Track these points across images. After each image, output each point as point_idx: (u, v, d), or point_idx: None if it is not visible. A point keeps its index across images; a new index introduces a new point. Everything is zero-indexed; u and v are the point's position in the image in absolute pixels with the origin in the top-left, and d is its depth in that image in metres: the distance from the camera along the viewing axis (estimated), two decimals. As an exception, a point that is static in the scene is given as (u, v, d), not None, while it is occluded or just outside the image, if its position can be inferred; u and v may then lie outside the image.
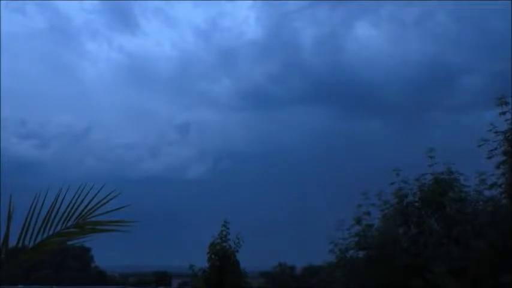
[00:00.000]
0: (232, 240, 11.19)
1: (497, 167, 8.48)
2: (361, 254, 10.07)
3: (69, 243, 2.82)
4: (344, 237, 10.18)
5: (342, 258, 10.19)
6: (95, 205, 2.76)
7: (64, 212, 2.73)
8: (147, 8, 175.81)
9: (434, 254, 8.92)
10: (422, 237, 9.50)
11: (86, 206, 2.75)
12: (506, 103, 8.46)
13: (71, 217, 2.72)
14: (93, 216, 2.75)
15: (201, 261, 11.15)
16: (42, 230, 2.67)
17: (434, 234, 9.47)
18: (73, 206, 2.73)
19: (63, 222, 2.72)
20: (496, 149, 8.43)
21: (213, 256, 11.02)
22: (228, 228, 11.29)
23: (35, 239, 2.57)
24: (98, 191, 2.81)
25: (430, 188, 9.65)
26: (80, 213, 2.74)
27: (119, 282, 47.28)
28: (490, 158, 8.52)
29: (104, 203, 2.75)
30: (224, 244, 11.11)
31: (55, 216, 2.74)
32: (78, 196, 2.73)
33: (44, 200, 2.57)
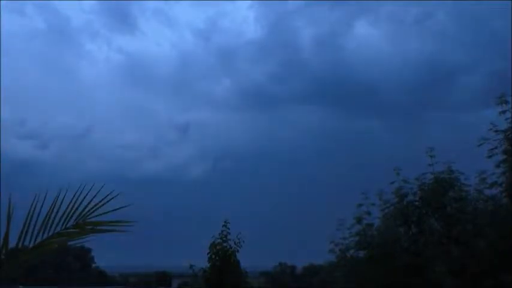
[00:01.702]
0: (232, 240, 11.21)
1: (498, 166, 8.51)
2: (361, 253, 10.08)
3: (70, 243, 2.82)
4: (344, 236, 10.20)
5: (342, 257, 10.21)
6: (95, 205, 2.77)
7: (64, 212, 2.73)
8: (146, 9, 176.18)
9: (435, 253, 8.92)
10: (422, 237, 9.52)
11: (86, 206, 2.75)
12: (506, 102, 8.49)
13: (71, 217, 2.72)
14: (93, 217, 2.76)
15: (201, 261, 11.17)
16: (42, 230, 2.67)
17: (435, 233, 9.48)
18: (73, 206, 2.73)
19: (63, 223, 2.72)
20: (496, 148, 8.46)
21: (213, 256, 11.02)
22: (229, 228, 11.30)
23: (35, 239, 2.58)
24: (98, 191, 2.82)
25: (431, 187, 9.66)
26: (80, 214, 2.75)
27: (119, 282, 47.29)
28: (490, 157, 8.54)
29: (104, 203, 2.76)
30: (225, 244, 11.12)
31: (55, 217, 2.74)
32: (78, 196, 2.74)
33: (44, 200, 2.58)
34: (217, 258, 10.97)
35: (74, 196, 2.71)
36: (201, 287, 11.01)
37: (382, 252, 9.48)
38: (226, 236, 11.18)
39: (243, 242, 11.21)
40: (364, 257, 9.96)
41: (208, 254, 11.06)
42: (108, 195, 2.82)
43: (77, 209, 2.72)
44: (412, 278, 8.95)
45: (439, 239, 9.29)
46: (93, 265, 53.41)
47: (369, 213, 10.20)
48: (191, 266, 11.08)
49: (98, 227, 2.73)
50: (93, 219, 2.74)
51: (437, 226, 9.68)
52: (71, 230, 2.71)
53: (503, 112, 8.51)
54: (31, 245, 2.55)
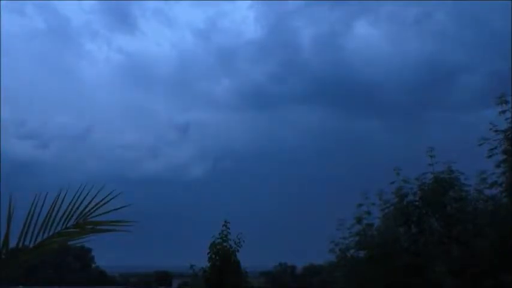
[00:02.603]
0: (232, 240, 11.21)
1: (498, 166, 8.50)
2: (361, 253, 10.09)
3: (70, 243, 2.82)
4: (344, 236, 10.21)
5: (342, 257, 10.22)
6: (95, 205, 2.77)
7: (64, 212, 2.73)
8: (146, 9, 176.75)
9: (435, 253, 8.93)
10: (422, 237, 9.52)
11: (86, 206, 2.75)
12: (506, 102, 8.49)
13: (71, 217, 2.72)
14: (93, 216, 2.76)
15: (202, 261, 11.18)
16: (42, 230, 2.67)
17: (435, 233, 9.49)
18: (73, 206, 2.73)
19: (64, 223, 2.73)
20: (496, 147, 8.45)
21: (213, 256, 11.03)
22: (229, 228, 11.30)
23: (35, 239, 2.58)
24: (98, 191, 2.82)
25: (431, 187, 9.67)
26: (81, 213, 2.75)
27: (119, 282, 47.26)
28: (490, 156, 8.53)
29: (104, 203, 2.76)
30: (225, 244, 11.12)
31: (55, 216, 2.74)
32: (79, 196, 2.74)
33: (44, 200, 2.58)
34: (217, 258, 10.97)
35: (74, 196, 2.72)
36: (201, 287, 11.01)
37: (382, 252, 9.49)
38: (226, 236, 11.19)
39: (243, 241, 11.23)
40: (364, 257, 9.97)
41: (208, 253, 11.06)
42: (108, 195, 2.82)
43: (77, 208, 2.72)
44: (412, 278, 8.95)
45: (440, 238, 9.29)
46: (93, 265, 53.42)
47: (369, 213, 10.22)
48: (191, 266, 11.09)
49: (98, 227, 2.73)
50: (93, 219, 2.74)
51: (438, 226, 9.69)
52: (72, 229, 2.71)
53: (503, 112, 8.51)
54: (31, 245, 2.54)
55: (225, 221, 11.27)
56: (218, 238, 11.13)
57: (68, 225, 2.70)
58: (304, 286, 40.96)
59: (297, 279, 46.35)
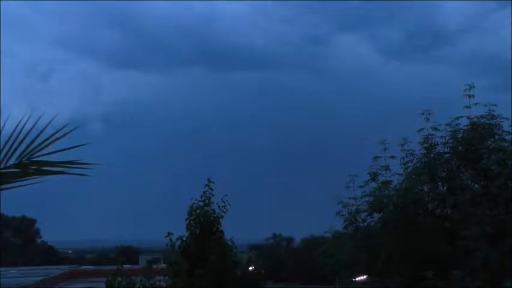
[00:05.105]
0: (216, 203, 11.19)
1: None
2: (375, 217, 10.22)
3: (6, 186, 2.72)
4: (355, 196, 10.23)
5: (351, 222, 10.29)
6: (43, 141, 2.68)
7: (3, 148, 2.66)
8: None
9: (466, 216, 9.17)
10: (451, 196, 9.73)
11: (31, 143, 2.67)
12: None
13: (11, 155, 2.65)
14: (39, 156, 2.68)
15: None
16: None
17: (467, 192, 9.67)
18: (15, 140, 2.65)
19: (1, 161, 2.65)
20: None
21: (192, 223, 11.04)
22: (212, 189, 11.26)
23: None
24: (46, 126, 2.73)
25: (465, 135, 9.77)
26: (24, 150, 2.67)
27: (73, 260, 47.82)
28: None
29: (55, 140, 2.67)
30: (206, 208, 11.13)
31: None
32: (22, 129, 2.65)
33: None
34: (198, 225, 10.97)
35: (15, 129, 2.63)
36: (178, 262, 11.02)
37: (401, 215, 9.64)
38: (209, 199, 11.15)
39: (229, 205, 11.23)
40: (379, 221, 10.12)
41: (186, 220, 11.05)
42: (58, 131, 2.74)
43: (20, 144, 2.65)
44: (438, 245, 9.20)
45: (473, 198, 9.47)
46: (39, 240, 53.94)
47: (386, 167, 10.25)
48: (169, 234, 11.04)
49: (45, 168, 2.66)
50: (40, 159, 2.67)
51: (471, 183, 9.90)
52: (11, 170, 2.63)
53: None
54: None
55: (208, 180, 11.19)
56: (200, 201, 11.10)
57: (8, 164, 2.63)
58: (304, 260, 42.12)
59: (294, 253, 47.27)
